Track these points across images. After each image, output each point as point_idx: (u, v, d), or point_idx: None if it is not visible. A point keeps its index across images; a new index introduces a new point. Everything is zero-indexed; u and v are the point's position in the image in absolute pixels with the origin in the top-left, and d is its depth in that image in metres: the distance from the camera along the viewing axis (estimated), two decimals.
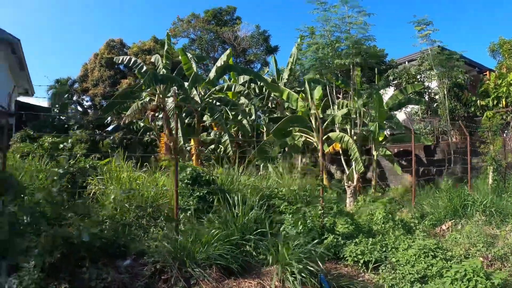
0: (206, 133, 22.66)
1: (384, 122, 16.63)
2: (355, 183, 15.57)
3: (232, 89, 19.78)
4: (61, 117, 25.98)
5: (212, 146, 21.52)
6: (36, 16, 79.04)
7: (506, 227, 9.87)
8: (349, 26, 16.48)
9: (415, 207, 12.39)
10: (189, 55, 20.12)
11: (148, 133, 22.83)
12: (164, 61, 18.38)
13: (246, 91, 20.92)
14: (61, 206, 6.89)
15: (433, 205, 12.11)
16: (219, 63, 18.86)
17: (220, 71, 18.69)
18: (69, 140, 16.42)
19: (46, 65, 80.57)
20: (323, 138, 15.55)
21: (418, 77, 21.58)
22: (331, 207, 10.02)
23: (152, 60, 20.41)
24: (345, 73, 18.66)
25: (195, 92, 17.99)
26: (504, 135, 17.56)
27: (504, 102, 19.86)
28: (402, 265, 7.01)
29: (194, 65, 19.38)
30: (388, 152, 18.32)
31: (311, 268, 6.17)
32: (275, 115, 22.13)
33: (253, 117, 21.09)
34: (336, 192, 14.38)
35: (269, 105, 23.29)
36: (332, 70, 17.48)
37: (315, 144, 17.28)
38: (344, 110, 16.74)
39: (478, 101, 20.69)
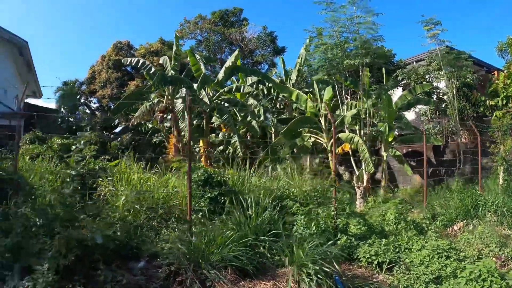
0: (214, 134, 22.65)
1: (394, 122, 16.56)
2: (365, 184, 15.49)
3: (241, 90, 19.76)
4: (70, 118, 26.08)
5: (221, 148, 21.49)
6: (43, 18, 79.45)
7: None
8: (358, 26, 16.45)
9: (426, 208, 12.30)
10: (197, 57, 20.12)
11: (156, 135, 22.86)
12: (172, 63, 18.38)
13: (254, 92, 20.90)
14: (73, 208, 6.89)
15: (444, 206, 12.04)
16: (228, 64, 18.84)
17: (228, 72, 18.67)
18: (82, 141, 16.45)
19: (53, 67, 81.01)
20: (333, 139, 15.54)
21: (427, 77, 21.48)
22: (344, 208, 9.96)
23: (160, 61, 20.42)
24: (353, 73, 18.60)
25: (204, 93, 17.96)
26: None
27: None
28: (416, 266, 6.97)
29: (202, 66, 19.38)
30: (397, 153, 18.25)
31: (327, 270, 6.13)
32: (283, 116, 22.08)
33: (262, 118, 21.06)
34: (349, 192, 14.30)
35: (277, 106, 23.26)
36: (341, 70, 17.43)
37: (324, 145, 17.22)
38: (354, 111, 16.65)
39: (488, 101, 20.54)
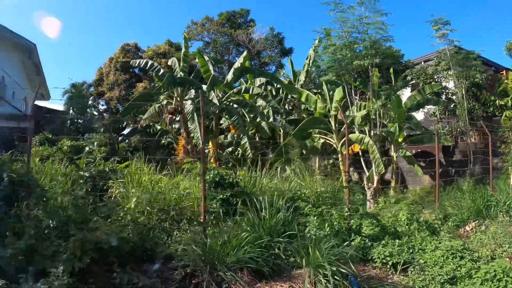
0: (223, 135, 22.65)
1: (403, 122, 16.49)
2: (375, 184, 15.41)
3: (250, 91, 19.74)
4: (79, 120, 26.18)
5: (230, 149, 21.47)
6: (51, 20, 79.75)
7: None
8: (367, 26, 16.40)
9: (438, 208, 12.24)
10: (206, 58, 20.14)
11: (165, 136, 22.88)
12: (181, 64, 18.39)
13: (263, 93, 20.88)
14: (86, 210, 6.87)
15: (456, 206, 11.98)
16: (236, 65, 18.82)
17: (237, 73, 18.67)
18: (95, 143, 16.49)
19: (61, 69, 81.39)
20: (343, 140, 15.47)
21: (435, 77, 21.37)
22: (356, 209, 9.91)
23: (169, 63, 20.45)
24: (362, 74, 18.53)
25: (213, 94, 17.94)
26: None
27: None
28: (430, 267, 6.98)
29: (211, 68, 19.39)
30: (408, 153, 18.15)
31: (343, 271, 6.09)
32: (292, 117, 22.03)
33: (271, 119, 21.04)
34: (362, 193, 14.24)
35: (286, 107, 23.23)
36: (350, 71, 17.38)
37: (334, 145, 17.14)
38: (364, 111, 16.57)
39: (497, 101, 20.41)
